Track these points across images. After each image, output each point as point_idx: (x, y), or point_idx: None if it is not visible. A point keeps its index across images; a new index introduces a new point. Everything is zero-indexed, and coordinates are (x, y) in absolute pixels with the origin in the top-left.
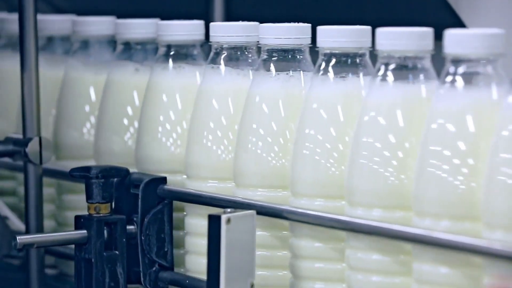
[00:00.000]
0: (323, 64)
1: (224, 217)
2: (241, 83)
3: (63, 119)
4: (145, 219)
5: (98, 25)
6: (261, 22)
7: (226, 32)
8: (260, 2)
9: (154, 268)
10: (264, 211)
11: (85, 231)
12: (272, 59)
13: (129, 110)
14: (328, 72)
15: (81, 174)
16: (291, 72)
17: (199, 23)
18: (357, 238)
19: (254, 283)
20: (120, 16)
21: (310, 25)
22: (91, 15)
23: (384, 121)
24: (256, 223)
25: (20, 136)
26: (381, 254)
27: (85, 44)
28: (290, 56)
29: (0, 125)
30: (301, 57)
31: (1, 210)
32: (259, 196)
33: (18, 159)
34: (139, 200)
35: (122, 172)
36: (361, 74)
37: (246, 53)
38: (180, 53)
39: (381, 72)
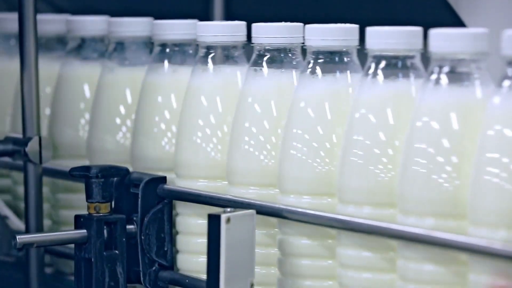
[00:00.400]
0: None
1: (224, 217)
2: (284, 85)
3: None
4: (145, 219)
5: (135, 26)
6: (260, 22)
7: (269, 33)
8: (260, 2)
9: (154, 268)
10: (264, 211)
11: (85, 231)
12: (318, 61)
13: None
14: (378, 74)
15: (81, 174)
16: (337, 73)
17: (241, 24)
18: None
19: (254, 282)
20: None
21: (357, 26)
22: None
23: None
24: (256, 222)
25: (20, 135)
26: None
27: (121, 45)
28: (337, 59)
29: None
30: (349, 59)
31: (1, 209)
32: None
33: (17, 159)
34: (139, 200)
35: (122, 172)
36: (412, 76)
37: (290, 54)
38: (221, 54)
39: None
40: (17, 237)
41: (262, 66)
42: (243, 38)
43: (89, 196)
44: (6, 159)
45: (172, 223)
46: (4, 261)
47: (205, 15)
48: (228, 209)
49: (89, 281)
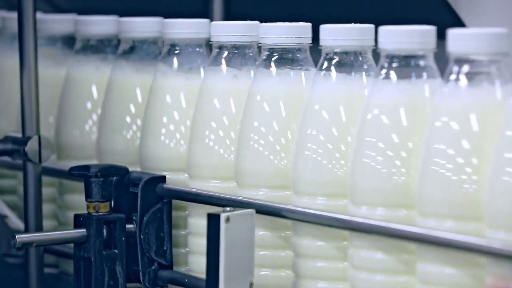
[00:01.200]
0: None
1: (223, 216)
2: (353, 90)
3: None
4: (144, 218)
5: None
6: (260, 22)
7: (338, 35)
8: (260, 1)
9: (153, 267)
10: (263, 210)
11: (84, 230)
12: (393, 65)
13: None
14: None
15: (80, 173)
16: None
17: (307, 25)
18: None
19: (253, 282)
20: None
21: (434, 28)
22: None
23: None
24: (255, 221)
25: (19, 135)
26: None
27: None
28: (412, 63)
29: (0, 124)
30: (425, 63)
31: (1, 209)
32: (261, 195)
33: (17, 158)
34: (138, 199)
35: (121, 171)
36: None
37: (360, 58)
38: (284, 57)
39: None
40: (16, 236)
41: (331, 70)
42: (307, 40)
43: (88, 195)
44: (6, 158)
45: (171, 223)
46: (4, 261)
47: (205, 15)
48: (228, 208)
49: (88, 280)
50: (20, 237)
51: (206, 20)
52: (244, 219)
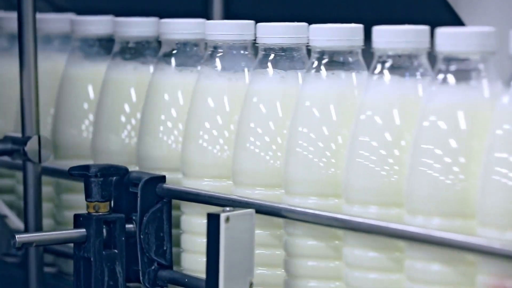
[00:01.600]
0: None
1: (223, 216)
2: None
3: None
4: (144, 218)
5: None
6: (260, 21)
7: (391, 37)
8: (260, 1)
9: (153, 267)
10: (263, 210)
11: (84, 230)
12: (450, 68)
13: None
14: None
15: (80, 173)
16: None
17: (358, 27)
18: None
19: (253, 281)
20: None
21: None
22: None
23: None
24: (255, 221)
25: (19, 134)
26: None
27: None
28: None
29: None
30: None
31: (0, 209)
32: (257, 194)
33: (17, 158)
34: (138, 199)
35: (121, 171)
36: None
37: (415, 62)
38: (334, 60)
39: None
40: (16, 236)
41: (383, 74)
42: (359, 42)
43: (88, 195)
44: (6, 158)
45: (171, 222)
46: (4, 261)
47: (204, 15)
48: (227, 208)
49: (88, 280)
50: (20, 237)
51: (251, 22)
52: (243, 219)
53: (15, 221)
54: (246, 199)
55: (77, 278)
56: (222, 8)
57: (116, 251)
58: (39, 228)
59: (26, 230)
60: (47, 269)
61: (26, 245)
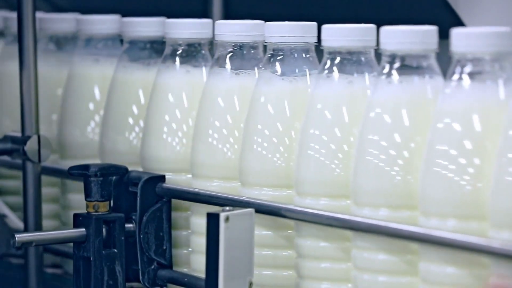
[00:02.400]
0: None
1: (222, 215)
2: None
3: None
4: (144, 217)
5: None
6: (259, 21)
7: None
8: (259, 1)
9: (152, 266)
10: (263, 209)
11: (83, 229)
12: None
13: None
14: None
15: (80, 172)
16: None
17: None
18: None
19: (252, 281)
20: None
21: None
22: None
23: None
24: (254, 221)
25: (19, 134)
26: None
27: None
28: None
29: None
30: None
31: (0, 208)
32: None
33: (16, 157)
34: (138, 198)
35: (121, 170)
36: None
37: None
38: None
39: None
40: (16, 236)
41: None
42: (433, 45)
43: (87, 194)
44: (6, 158)
45: (171, 222)
46: (4, 261)
47: (204, 15)
48: (227, 208)
49: (88, 280)
50: (20, 237)
51: (313, 23)
52: (243, 219)
53: (15, 221)
54: (246, 199)
55: (77, 277)
56: (222, 8)
57: (115, 250)
58: (38, 227)
59: (26, 230)
60: (46, 269)
61: (25, 244)
